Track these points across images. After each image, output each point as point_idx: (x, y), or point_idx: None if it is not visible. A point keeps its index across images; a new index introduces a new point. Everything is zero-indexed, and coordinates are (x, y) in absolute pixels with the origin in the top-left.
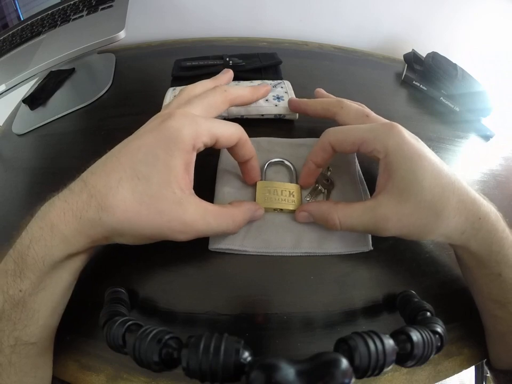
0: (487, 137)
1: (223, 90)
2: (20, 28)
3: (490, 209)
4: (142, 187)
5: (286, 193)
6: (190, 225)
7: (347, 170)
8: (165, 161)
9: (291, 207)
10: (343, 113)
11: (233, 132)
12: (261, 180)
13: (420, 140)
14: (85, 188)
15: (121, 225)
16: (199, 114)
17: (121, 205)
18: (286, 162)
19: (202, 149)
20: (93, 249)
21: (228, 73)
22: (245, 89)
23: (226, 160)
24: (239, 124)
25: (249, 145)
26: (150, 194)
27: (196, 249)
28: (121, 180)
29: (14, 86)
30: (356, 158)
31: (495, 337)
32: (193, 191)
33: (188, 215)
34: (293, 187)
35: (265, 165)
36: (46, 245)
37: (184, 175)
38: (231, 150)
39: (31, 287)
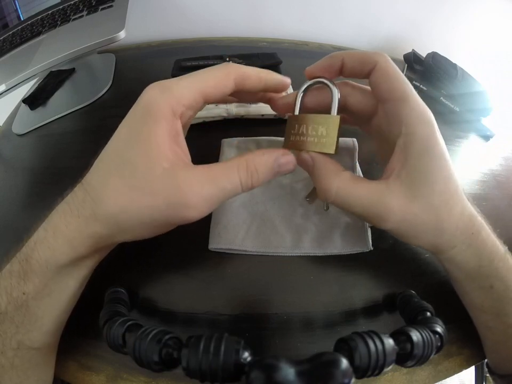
0: (487, 137)
1: (226, 64)
2: (20, 28)
3: (481, 224)
4: (128, 171)
5: (320, 130)
6: (189, 193)
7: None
8: (145, 136)
9: (320, 149)
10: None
11: (221, 76)
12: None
13: None
14: (82, 187)
15: (116, 217)
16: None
17: (112, 195)
18: (326, 82)
19: (190, 113)
20: (100, 256)
21: None
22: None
23: (228, 155)
24: (239, 124)
25: (254, 76)
26: (138, 176)
27: (196, 249)
28: (110, 170)
29: (14, 86)
30: (356, 158)
31: (490, 346)
32: (189, 163)
33: (187, 183)
34: (329, 120)
35: (298, 95)
36: (49, 247)
37: (172, 145)
38: (236, 94)
39: (34, 291)
